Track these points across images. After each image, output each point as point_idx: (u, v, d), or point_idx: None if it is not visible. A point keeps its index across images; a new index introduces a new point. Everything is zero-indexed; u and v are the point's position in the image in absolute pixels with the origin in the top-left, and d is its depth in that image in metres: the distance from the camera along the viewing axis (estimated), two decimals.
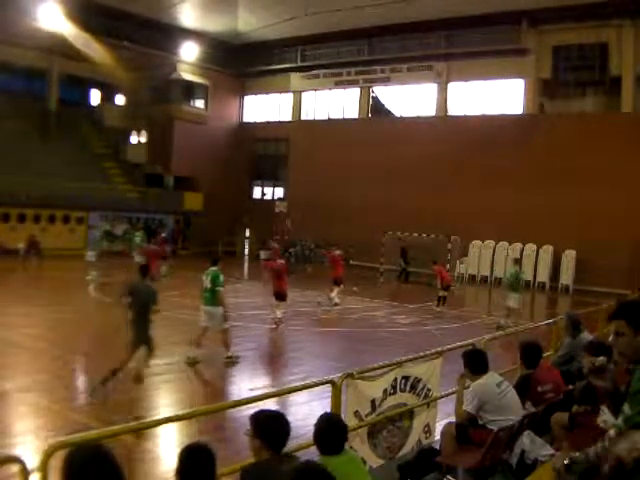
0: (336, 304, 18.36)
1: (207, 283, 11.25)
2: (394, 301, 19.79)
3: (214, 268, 11.43)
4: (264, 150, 39.23)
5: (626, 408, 3.03)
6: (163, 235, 26.06)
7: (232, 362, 11.35)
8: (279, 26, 31.68)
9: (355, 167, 32.65)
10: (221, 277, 11.25)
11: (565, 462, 3.35)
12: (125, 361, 8.41)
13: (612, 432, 3.11)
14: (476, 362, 5.53)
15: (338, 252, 19.70)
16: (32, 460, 3.22)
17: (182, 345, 12.63)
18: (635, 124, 25.81)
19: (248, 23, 33.87)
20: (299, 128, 36.53)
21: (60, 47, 30.59)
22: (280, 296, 14.95)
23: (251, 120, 39.62)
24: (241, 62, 38.01)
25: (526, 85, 29.58)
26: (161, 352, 12.00)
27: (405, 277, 28.00)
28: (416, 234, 28.22)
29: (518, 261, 18.24)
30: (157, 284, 11.12)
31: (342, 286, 18.79)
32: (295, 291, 21.84)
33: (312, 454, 3.88)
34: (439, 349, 6.82)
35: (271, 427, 3.50)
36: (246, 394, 8.67)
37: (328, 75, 35.62)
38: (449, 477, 5.20)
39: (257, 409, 3.69)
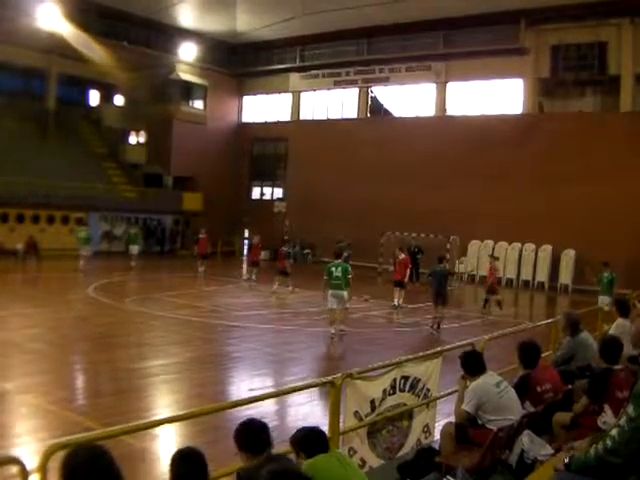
0: (401, 307, 18.77)
1: (338, 273, 14.00)
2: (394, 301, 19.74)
3: (340, 260, 14.48)
4: (263, 150, 39.23)
5: (630, 409, 3.03)
6: (256, 242, 24.37)
7: (342, 335, 13.89)
8: (278, 26, 31.69)
9: (354, 167, 32.65)
10: (349, 267, 14.37)
11: (565, 461, 3.36)
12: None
13: (614, 432, 3.11)
14: (471, 364, 5.54)
15: (403, 255, 19.72)
16: (31, 461, 3.22)
17: (179, 346, 12.65)
18: (634, 123, 25.81)
19: (247, 23, 33.84)
20: (298, 128, 36.53)
21: (59, 47, 30.56)
22: None
23: (250, 120, 39.60)
24: (240, 62, 38.01)
25: (525, 85, 29.59)
26: (158, 352, 12.04)
27: (416, 277, 27.45)
28: (415, 234, 28.23)
29: (609, 264, 18.34)
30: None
31: (403, 291, 19.14)
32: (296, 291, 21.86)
33: None
34: (438, 349, 6.82)
35: (245, 435, 3.57)
36: (245, 394, 8.67)
37: (327, 75, 35.62)
38: (448, 477, 5.18)
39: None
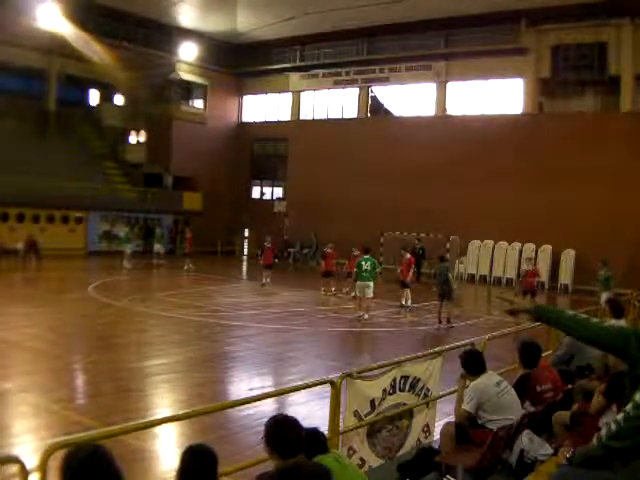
0: (408, 307, 18.65)
1: (367, 266, 15.85)
2: (394, 301, 19.75)
3: (368, 256, 16.25)
4: (263, 150, 39.23)
5: (637, 397, 3.02)
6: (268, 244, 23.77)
7: (364, 320, 15.69)
8: (278, 26, 31.70)
9: (354, 167, 32.62)
10: (376, 262, 16.47)
11: (567, 455, 3.36)
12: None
13: (620, 417, 3.10)
14: (472, 363, 5.53)
15: (408, 255, 19.43)
16: (31, 460, 3.22)
17: (179, 345, 12.64)
18: (634, 123, 25.80)
19: (247, 23, 33.85)
20: (298, 128, 36.51)
21: (59, 47, 30.60)
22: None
23: (250, 120, 39.58)
24: (240, 62, 38.01)
25: (525, 85, 29.57)
26: (158, 352, 12.04)
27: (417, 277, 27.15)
28: (415, 233, 28.21)
29: (607, 262, 18.46)
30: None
31: (409, 291, 19.04)
32: (296, 291, 21.88)
33: None
34: (438, 349, 6.82)
35: (277, 434, 3.42)
36: (245, 394, 8.67)
37: (327, 75, 35.62)
38: (448, 477, 5.20)
39: (274, 414, 3.60)
